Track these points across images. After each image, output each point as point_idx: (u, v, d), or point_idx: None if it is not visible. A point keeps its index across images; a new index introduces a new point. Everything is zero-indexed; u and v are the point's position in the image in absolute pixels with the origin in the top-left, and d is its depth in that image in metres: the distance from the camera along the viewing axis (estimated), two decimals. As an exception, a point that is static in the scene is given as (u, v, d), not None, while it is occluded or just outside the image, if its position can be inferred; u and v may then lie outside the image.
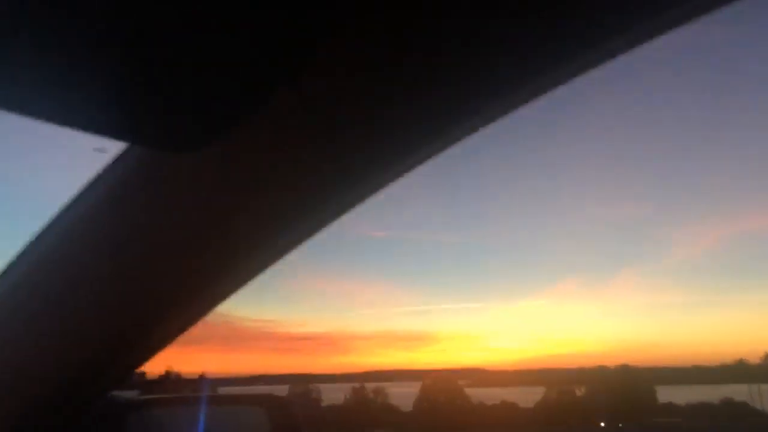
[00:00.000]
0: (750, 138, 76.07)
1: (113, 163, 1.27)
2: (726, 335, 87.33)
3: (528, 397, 48.76)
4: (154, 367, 61.08)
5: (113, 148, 1.26)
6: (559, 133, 78.66)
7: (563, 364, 70.28)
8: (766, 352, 59.78)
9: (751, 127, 75.18)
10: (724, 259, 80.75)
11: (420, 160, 1.32)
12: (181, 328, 1.64)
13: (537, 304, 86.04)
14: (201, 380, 60.25)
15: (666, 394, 47.93)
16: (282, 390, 57.58)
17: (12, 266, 1.46)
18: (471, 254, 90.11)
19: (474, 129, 1.29)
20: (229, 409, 2.47)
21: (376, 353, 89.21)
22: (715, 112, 75.06)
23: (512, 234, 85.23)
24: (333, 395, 52.75)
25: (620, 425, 43.00)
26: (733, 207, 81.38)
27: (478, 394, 51.01)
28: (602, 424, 44.35)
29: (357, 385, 51.91)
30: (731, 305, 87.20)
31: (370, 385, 52.09)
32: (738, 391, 46.40)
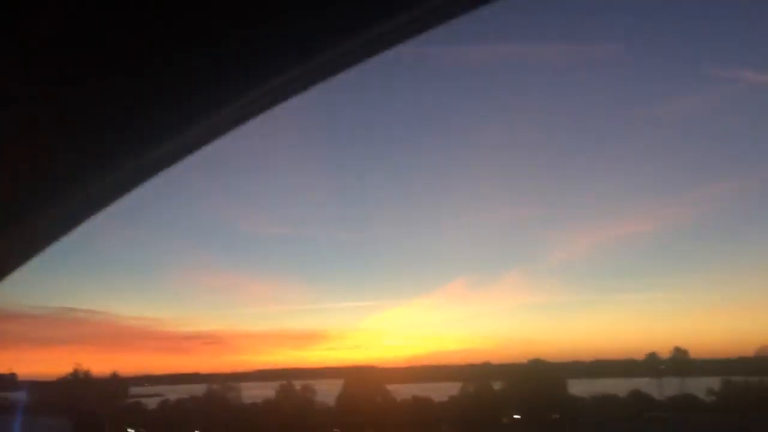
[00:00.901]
0: (628, 149, 70.37)
1: None
2: (606, 333, 78.36)
3: (436, 392, 49.82)
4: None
5: None
6: (451, 135, 72.76)
7: (453, 361, 64.79)
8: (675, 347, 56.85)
9: (629, 138, 69.93)
10: (601, 260, 72.09)
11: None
12: None
13: (428, 303, 74.30)
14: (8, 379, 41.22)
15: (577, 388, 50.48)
16: (175, 390, 53.06)
17: None
18: (364, 252, 78.40)
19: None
20: (31, 419, 2.31)
21: (266, 352, 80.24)
22: (598, 122, 70.30)
23: (405, 233, 77.72)
24: (251, 393, 50.48)
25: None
26: (610, 213, 74.22)
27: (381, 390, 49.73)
28: (517, 417, 47.02)
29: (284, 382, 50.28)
30: (608, 304, 75.28)
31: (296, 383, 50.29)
32: (643, 384, 50.28)
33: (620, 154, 68.69)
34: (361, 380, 50.39)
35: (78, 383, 47.80)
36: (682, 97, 63.03)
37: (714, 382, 48.57)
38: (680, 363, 53.63)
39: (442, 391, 49.69)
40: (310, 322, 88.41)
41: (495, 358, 57.36)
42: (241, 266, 79.14)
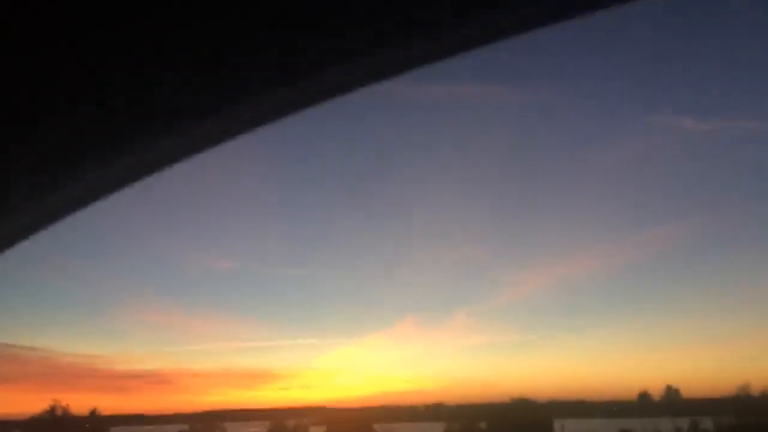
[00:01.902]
0: (574, 192, 68.75)
1: None
2: (554, 372, 73.69)
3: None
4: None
5: None
6: (403, 175, 70.20)
7: (403, 401, 65.87)
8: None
9: (574, 181, 67.97)
10: (549, 300, 71.94)
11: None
12: None
13: (379, 341, 71.54)
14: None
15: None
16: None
17: None
18: (314, 289, 73.58)
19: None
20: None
21: (212, 392, 78.52)
22: (545, 165, 68.13)
23: (355, 270, 74.40)
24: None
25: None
26: (558, 254, 72.71)
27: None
28: None
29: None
30: (557, 344, 72.47)
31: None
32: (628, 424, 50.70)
33: (566, 197, 68.97)
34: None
35: (56, 422, 46.46)
36: (625, 142, 64.85)
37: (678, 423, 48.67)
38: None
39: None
40: (259, 360, 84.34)
41: (446, 399, 57.27)
42: (187, 302, 75.84)
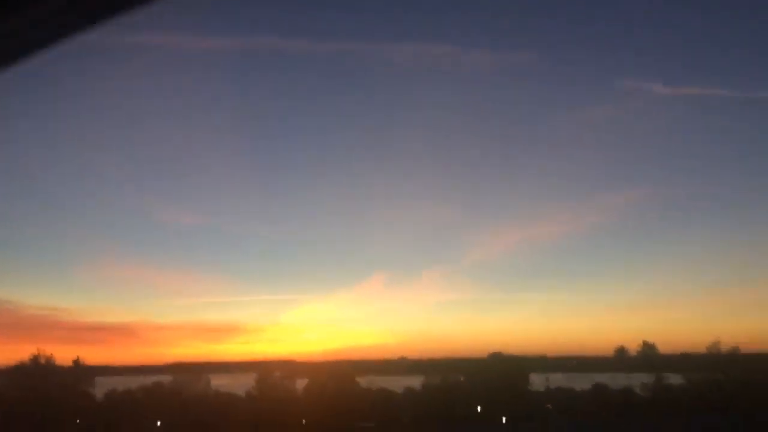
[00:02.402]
0: (543, 154, 69.50)
1: None
2: (517, 330, 77.65)
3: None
4: None
5: None
6: (374, 134, 71.72)
7: (368, 356, 65.59)
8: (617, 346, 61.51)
9: (544, 144, 69.99)
10: (515, 261, 74.32)
11: None
12: None
13: (347, 298, 74.30)
14: None
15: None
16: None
17: None
18: (283, 246, 76.65)
19: None
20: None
21: (180, 344, 77.85)
22: (516, 127, 69.52)
23: (324, 228, 75.71)
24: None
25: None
26: (525, 216, 75.79)
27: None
28: (479, 409, 47.15)
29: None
30: (522, 302, 77.65)
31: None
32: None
33: (536, 159, 72.11)
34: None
35: (40, 372, 45.84)
36: (596, 106, 68.36)
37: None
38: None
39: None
40: (227, 315, 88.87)
41: (411, 354, 61.42)
42: (155, 257, 78.28)
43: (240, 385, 49.73)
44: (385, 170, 73.27)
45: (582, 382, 50.21)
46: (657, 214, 75.42)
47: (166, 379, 50.38)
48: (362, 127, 71.61)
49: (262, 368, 51.32)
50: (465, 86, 67.59)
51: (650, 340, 61.69)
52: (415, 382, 49.53)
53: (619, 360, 64.36)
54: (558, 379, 52.90)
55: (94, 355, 54.36)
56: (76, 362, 50.25)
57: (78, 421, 43.80)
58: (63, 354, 71.12)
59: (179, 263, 78.05)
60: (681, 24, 65.12)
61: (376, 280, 76.86)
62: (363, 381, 49.45)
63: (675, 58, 69.45)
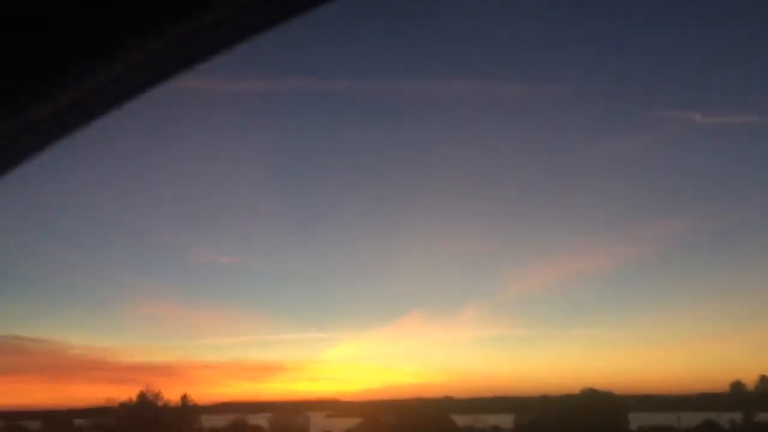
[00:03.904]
0: (582, 187, 65.98)
1: None
2: (559, 367, 74.64)
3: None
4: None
5: None
6: (411, 168, 71.32)
7: (408, 395, 62.52)
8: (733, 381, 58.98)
9: (582, 177, 66.78)
10: (554, 295, 71.55)
11: None
12: None
13: (385, 335, 73.75)
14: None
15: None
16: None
17: None
18: (320, 283, 76.60)
19: None
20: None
21: (222, 383, 78.63)
22: (553, 160, 66.72)
23: (361, 265, 74.46)
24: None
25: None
26: (565, 249, 72.14)
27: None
28: None
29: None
30: (566, 338, 72.76)
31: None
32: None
33: (573, 192, 67.99)
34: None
35: (147, 409, 47.68)
36: (634, 137, 64.26)
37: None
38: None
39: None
40: (266, 354, 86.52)
41: (452, 392, 58.71)
42: (192, 295, 77.34)
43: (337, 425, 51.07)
44: (421, 206, 70.59)
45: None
46: (700, 244, 69.90)
47: (276, 416, 52.29)
48: (398, 164, 70.91)
49: (307, 407, 52.29)
50: (500, 120, 66.08)
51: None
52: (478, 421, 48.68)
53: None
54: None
55: (133, 395, 49.66)
56: (184, 399, 51.90)
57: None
58: (104, 394, 74.08)
59: (216, 302, 77.42)
60: (718, 52, 62.80)
61: (413, 316, 74.56)
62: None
63: (713, 87, 65.42)
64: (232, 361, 77.99)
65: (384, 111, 69.77)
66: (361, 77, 64.81)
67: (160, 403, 49.90)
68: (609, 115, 66.92)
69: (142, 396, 48.67)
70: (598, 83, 67.66)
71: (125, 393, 54.19)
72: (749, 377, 60.72)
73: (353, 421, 53.20)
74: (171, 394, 57.88)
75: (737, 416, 48.89)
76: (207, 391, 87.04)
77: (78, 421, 51.56)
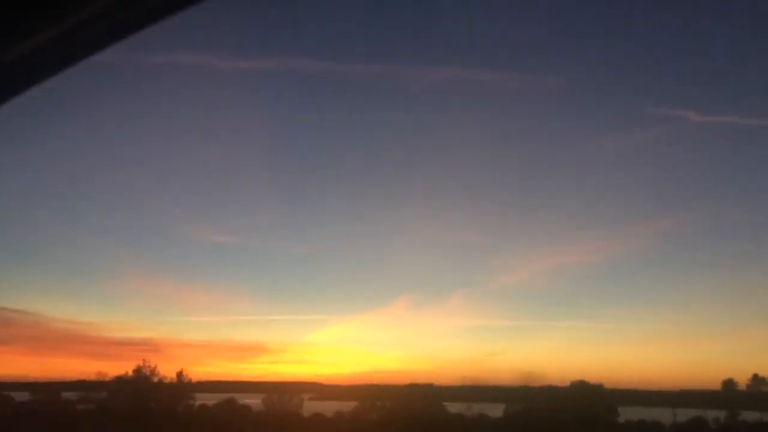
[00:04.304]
0: (572, 181, 68.51)
1: None
2: (543, 359, 74.26)
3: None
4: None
5: None
6: (404, 155, 70.92)
7: (391, 381, 64.07)
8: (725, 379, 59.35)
9: (572, 171, 68.32)
10: (542, 288, 70.59)
11: None
12: None
13: (372, 320, 72.75)
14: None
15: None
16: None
17: None
18: (309, 266, 74.94)
19: None
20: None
21: (204, 362, 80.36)
22: (543, 152, 67.66)
23: (350, 249, 73.78)
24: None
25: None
26: (554, 242, 74.89)
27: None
28: None
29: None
30: (546, 331, 72.63)
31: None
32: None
33: (566, 185, 68.73)
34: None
35: (144, 383, 48.02)
36: (628, 133, 64.45)
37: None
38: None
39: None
40: (251, 334, 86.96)
41: (436, 380, 58.18)
42: (180, 273, 77.04)
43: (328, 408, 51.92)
44: (412, 193, 71.93)
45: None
46: (690, 242, 70.46)
47: (268, 397, 52.41)
48: (392, 149, 70.27)
49: (288, 389, 52.55)
50: (495, 110, 65.67)
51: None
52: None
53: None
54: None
55: (118, 370, 50.67)
56: (179, 375, 52.10)
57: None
58: (87, 368, 77.14)
59: (204, 280, 77.04)
60: (716, 51, 61.94)
61: (401, 303, 74.92)
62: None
63: (709, 86, 64.97)
64: (217, 340, 78.12)
65: (377, 96, 69.40)
66: (357, 61, 64.95)
67: (155, 379, 50.25)
68: (604, 110, 66.42)
69: (137, 371, 48.99)
70: (594, 75, 66.75)
71: (108, 368, 54.64)
72: (742, 376, 61.50)
73: (335, 405, 53.66)
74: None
75: (725, 414, 49.46)
76: (189, 370, 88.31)
77: (66, 395, 51.47)
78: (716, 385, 61.51)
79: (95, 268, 75.93)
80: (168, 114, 66.73)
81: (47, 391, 51.38)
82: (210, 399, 53.83)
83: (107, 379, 49.22)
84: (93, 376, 49.25)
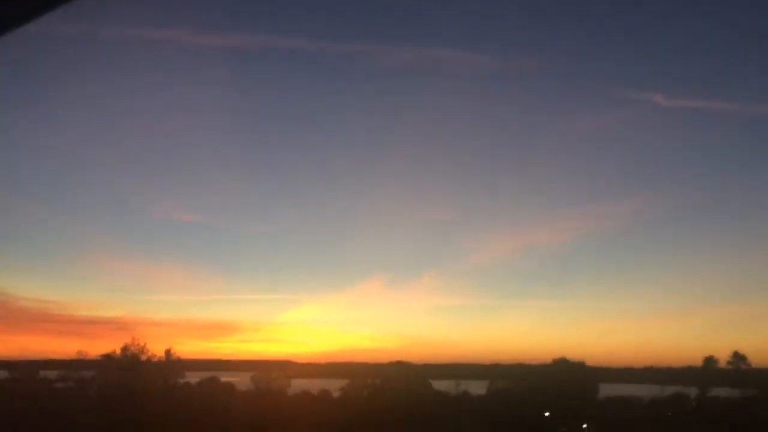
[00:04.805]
0: (543, 161, 67.30)
1: None
2: (516, 337, 76.22)
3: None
4: None
5: None
6: (375, 134, 70.30)
7: (363, 359, 63.65)
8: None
9: (544, 151, 67.60)
10: (513, 267, 72.88)
11: None
12: None
13: (344, 299, 72.43)
14: None
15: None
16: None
17: None
18: (281, 245, 74.83)
19: None
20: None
21: (174, 341, 73.87)
22: (517, 131, 68.59)
23: (323, 228, 73.71)
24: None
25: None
26: (525, 222, 73.88)
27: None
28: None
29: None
30: (515, 309, 74.65)
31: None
32: None
33: (537, 166, 71.33)
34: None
35: (131, 362, 47.40)
36: (598, 115, 66.85)
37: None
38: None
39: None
40: (222, 313, 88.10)
41: (407, 358, 60.30)
42: (150, 252, 77.62)
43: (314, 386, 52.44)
44: (384, 171, 72.66)
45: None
46: (657, 222, 75.09)
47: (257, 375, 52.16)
48: (363, 128, 71.31)
49: (261, 368, 53.02)
50: (466, 90, 66.83)
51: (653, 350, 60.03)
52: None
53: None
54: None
55: (88, 349, 48.98)
56: (168, 354, 51.46)
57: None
58: (56, 347, 78.99)
59: (175, 259, 77.35)
60: (685, 36, 65.04)
61: (373, 282, 76.33)
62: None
63: (677, 70, 68.40)
64: (186, 319, 79.21)
65: (348, 74, 69.59)
66: (326, 39, 65.65)
67: (143, 358, 49.50)
68: (575, 92, 68.91)
69: (125, 349, 48.62)
70: (566, 57, 68.98)
71: (81, 346, 53.01)
72: (722, 354, 62.50)
73: (304, 382, 54.32)
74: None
75: (703, 390, 50.40)
76: (157, 348, 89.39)
77: (44, 373, 50.41)
78: (697, 362, 63.04)
79: (63, 247, 77.76)
80: (135, 90, 66.85)
81: (23, 369, 50.25)
82: (190, 377, 53.90)
83: (88, 357, 48.73)
84: (73, 355, 49.00)
